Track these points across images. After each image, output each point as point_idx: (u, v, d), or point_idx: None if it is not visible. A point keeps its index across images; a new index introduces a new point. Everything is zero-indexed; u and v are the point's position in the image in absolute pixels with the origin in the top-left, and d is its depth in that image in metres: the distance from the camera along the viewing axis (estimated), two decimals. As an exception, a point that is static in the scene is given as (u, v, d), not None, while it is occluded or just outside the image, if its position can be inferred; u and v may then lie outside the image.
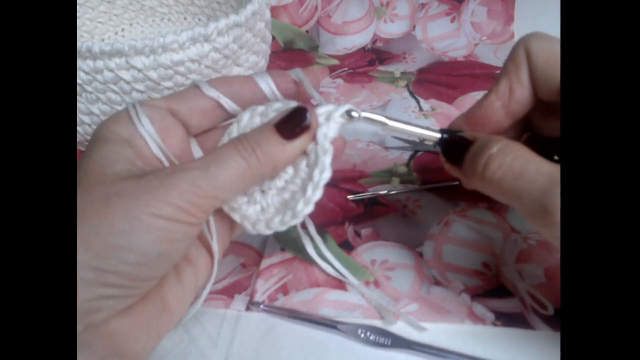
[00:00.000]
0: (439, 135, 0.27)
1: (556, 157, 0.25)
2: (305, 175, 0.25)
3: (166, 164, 0.25)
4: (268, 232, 0.26)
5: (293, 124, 0.24)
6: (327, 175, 0.24)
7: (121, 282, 0.21)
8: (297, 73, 0.28)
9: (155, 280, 0.23)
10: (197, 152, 0.28)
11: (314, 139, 0.25)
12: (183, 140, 0.27)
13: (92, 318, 0.21)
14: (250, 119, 0.27)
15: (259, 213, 0.26)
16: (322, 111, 0.25)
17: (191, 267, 0.26)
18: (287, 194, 0.26)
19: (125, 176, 0.22)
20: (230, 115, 0.28)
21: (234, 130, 0.27)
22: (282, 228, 0.25)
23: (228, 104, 0.27)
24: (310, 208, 0.24)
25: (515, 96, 0.25)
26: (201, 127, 0.27)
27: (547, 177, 0.22)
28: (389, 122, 0.26)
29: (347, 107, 0.25)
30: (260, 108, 0.27)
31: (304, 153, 0.25)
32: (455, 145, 0.26)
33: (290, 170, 0.26)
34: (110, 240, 0.20)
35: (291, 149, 0.24)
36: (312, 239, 0.31)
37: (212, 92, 0.27)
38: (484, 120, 0.26)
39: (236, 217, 0.26)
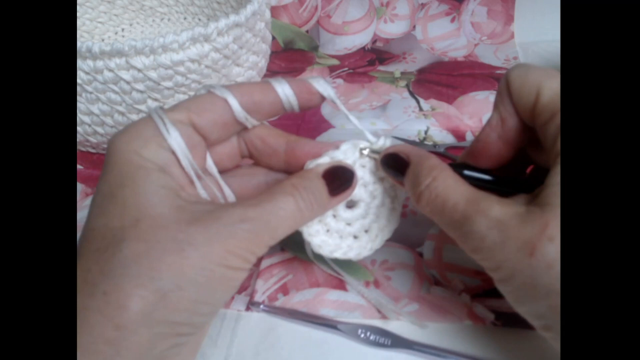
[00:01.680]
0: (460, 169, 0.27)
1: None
2: (383, 199, 0.29)
3: (202, 194, 0.25)
4: (358, 258, 0.29)
5: (339, 182, 0.27)
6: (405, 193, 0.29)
7: (191, 331, 0.22)
8: (324, 88, 0.27)
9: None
10: (211, 165, 0.27)
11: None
12: (204, 155, 0.26)
13: None
14: (352, 153, 0.29)
15: (355, 242, 0.30)
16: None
17: None
18: (366, 222, 0.30)
19: (186, 219, 0.21)
20: (245, 127, 0.27)
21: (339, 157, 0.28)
22: (381, 244, 0.30)
23: (250, 120, 0.26)
24: (398, 222, 0.30)
25: (507, 125, 0.26)
26: (219, 139, 0.26)
27: (460, 213, 0.23)
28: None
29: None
30: (363, 144, 0.29)
31: (374, 183, 0.29)
32: (395, 165, 0.27)
33: (366, 196, 0.29)
34: (188, 295, 0.20)
35: (335, 203, 0.27)
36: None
37: (240, 113, 0.25)
38: (485, 153, 0.27)
39: (338, 255, 0.29)
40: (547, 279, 0.21)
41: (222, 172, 0.27)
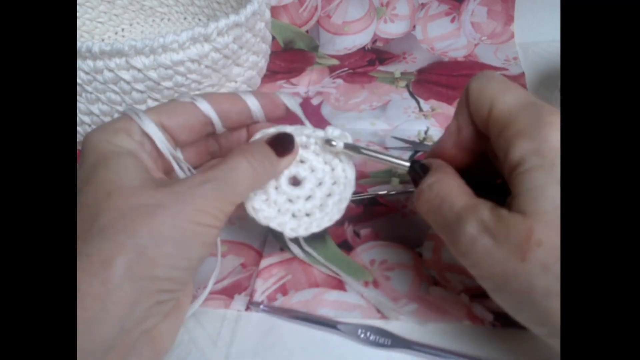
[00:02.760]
0: (407, 164, 0.30)
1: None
2: (331, 185, 0.31)
3: (178, 171, 0.28)
4: (305, 234, 0.30)
5: (283, 145, 0.29)
6: (352, 188, 0.31)
7: (172, 287, 0.23)
8: (290, 102, 0.31)
9: (190, 282, 0.26)
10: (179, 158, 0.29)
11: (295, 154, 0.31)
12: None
13: (147, 324, 0.22)
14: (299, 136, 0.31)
15: (294, 220, 0.30)
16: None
17: None
18: (317, 201, 0.31)
19: (153, 187, 0.23)
20: (214, 132, 0.30)
21: None
22: (318, 230, 0.30)
23: (217, 123, 0.29)
24: (341, 214, 0.30)
25: (463, 133, 0.28)
26: (187, 141, 0.29)
27: (455, 214, 0.24)
28: (363, 152, 0.31)
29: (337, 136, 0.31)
30: (271, 130, 0.31)
31: (326, 164, 0.31)
32: (420, 172, 0.29)
33: (313, 180, 0.31)
34: (165, 250, 0.22)
35: (284, 163, 0.30)
36: (301, 247, 0.33)
37: (211, 112, 0.29)
38: (443, 157, 0.29)
39: (274, 225, 0.30)
40: (544, 281, 0.21)
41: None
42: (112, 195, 0.22)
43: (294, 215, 0.30)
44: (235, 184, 0.25)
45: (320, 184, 0.31)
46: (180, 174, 0.28)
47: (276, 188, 0.30)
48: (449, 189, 0.25)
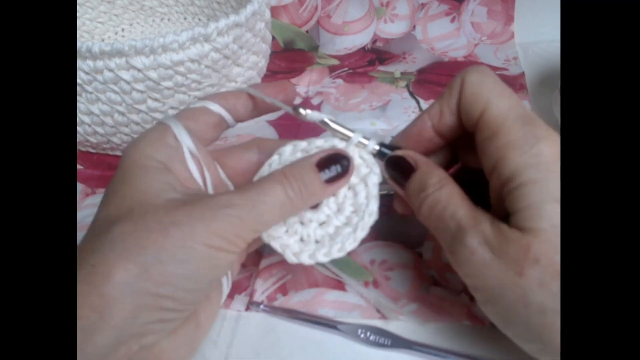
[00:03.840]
0: (376, 146, 0.28)
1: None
2: (350, 214, 0.28)
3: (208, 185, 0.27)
4: (309, 262, 0.27)
5: (333, 168, 0.26)
6: (375, 218, 0.27)
7: (176, 307, 0.23)
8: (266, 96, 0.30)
9: (200, 303, 0.25)
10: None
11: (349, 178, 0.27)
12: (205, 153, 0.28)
13: (146, 340, 0.22)
14: (292, 154, 0.28)
15: (300, 244, 0.28)
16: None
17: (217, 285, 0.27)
18: (330, 228, 0.28)
19: (174, 205, 0.23)
20: (228, 127, 0.30)
21: (275, 162, 0.28)
22: (326, 260, 0.27)
23: (229, 118, 0.30)
24: (356, 245, 0.27)
25: (443, 119, 0.27)
26: (211, 140, 0.30)
27: (456, 222, 0.24)
28: (330, 124, 0.28)
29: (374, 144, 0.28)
30: (303, 144, 0.28)
31: (349, 189, 0.28)
32: (400, 168, 0.28)
33: (333, 205, 0.28)
34: (170, 269, 0.22)
35: (330, 191, 0.27)
36: None
37: (222, 111, 0.29)
38: (417, 138, 0.28)
39: (276, 246, 0.27)
40: (541, 297, 0.21)
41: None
42: (134, 211, 0.23)
43: (301, 240, 0.28)
44: (261, 214, 0.24)
45: (338, 210, 0.28)
46: (210, 188, 0.27)
47: None
48: (452, 197, 0.25)
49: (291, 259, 0.27)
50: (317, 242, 0.28)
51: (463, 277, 0.25)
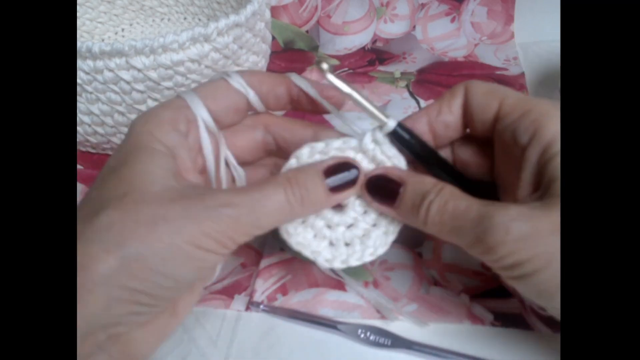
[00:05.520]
0: (392, 123, 0.27)
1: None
2: (377, 215, 0.27)
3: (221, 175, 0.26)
4: (342, 267, 0.26)
5: (341, 177, 0.25)
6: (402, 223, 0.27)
7: (151, 302, 0.22)
8: (304, 84, 0.28)
9: (178, 298, 0.24)
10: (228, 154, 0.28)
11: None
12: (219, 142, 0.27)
13: (116, 330, 0.22)
14: (309, 157, 0.27)
15: (330, 249, 0.27)
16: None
17: None
18: (359, 231, 0.27)
19: (170, 197, 0.22)
20: (255, 110, 0.28)
21: (294, 166, 0.27)
22: (357, 264, 0.26)
23: (259, 105, 0.27)
24: (387, 249, 0.27)
25: (440, 117, 0.27)
26: (231, 123, 0.28)
27: (476, 211, 0.24)
28: (354, 96, 0.27)
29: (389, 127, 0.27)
30: (320, 145, 0.27)
31: None
32: (383, 187, 0.26)
33: (359, 208, 0.27)
34: (151, 266, 0.21)
35: (334, 200, 0.26)
36: None
37: (246, 89, 0.27)
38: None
39: (307, 253, 0.27)
40: None
41: (242, 164, 0.28)
42: (127, 196, 0.22)
43: (331, 244, 0.27)
44: (259, 218, 0.23)
45: (365, 212, 0.27)
46: (213, 180, 0.26)
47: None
48: (456, 195, 0.25)
49: (324, 265, 0.27)
50: (346, 244, 0.27)
51: (498, 261, 0.23)
